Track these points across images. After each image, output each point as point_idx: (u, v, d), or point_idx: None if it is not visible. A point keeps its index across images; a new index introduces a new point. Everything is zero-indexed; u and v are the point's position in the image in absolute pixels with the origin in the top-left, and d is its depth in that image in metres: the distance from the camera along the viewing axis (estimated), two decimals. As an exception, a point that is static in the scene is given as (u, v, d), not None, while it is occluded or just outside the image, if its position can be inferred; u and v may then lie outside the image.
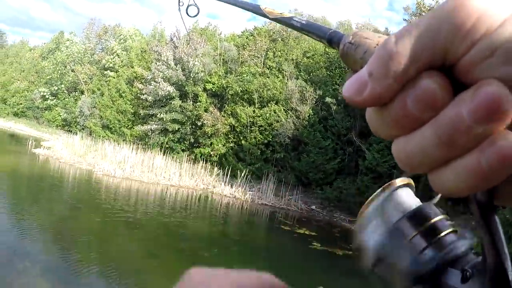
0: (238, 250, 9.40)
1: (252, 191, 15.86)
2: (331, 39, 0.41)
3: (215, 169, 17.76)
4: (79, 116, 23.71)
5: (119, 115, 21.99)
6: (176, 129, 19.95)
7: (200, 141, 19.64)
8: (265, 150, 18.38)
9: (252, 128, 18.78)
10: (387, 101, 0.28)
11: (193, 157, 19.05)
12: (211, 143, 19.32)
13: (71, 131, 22.53)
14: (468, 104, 0.24)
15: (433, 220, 0.47)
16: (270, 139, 18.21)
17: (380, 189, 0.50)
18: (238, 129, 19.21)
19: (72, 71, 27.76)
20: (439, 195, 0.45)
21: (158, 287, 6.14)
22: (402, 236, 0.47)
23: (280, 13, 0.59)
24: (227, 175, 16.57)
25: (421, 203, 0.49)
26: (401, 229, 0.48)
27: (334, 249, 10.07)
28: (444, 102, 0.26)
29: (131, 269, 6.81)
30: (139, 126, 20.87)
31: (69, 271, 6.42)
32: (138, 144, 19.10)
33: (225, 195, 15.56)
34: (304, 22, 0.50)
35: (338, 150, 16.10)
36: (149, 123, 20.49)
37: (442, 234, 0.47)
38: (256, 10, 0.70)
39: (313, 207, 15.24)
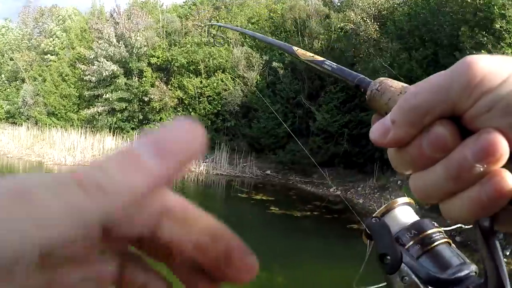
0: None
1: (205, 162, 15.74)
2: (359, 84, 0.46)
3: (167, 144, 17.46)
4: (22, 106, 22.63)
5: (63, 100, 21.24)
6: (124, 107, 19.51)
7: (149, 117, 19.31)
8: (215, 120, 18.29)
9: (201, 99, 18.62)
10: (406, 144, 0.34)
11: (144, 135, 18.72)
12: (160, 118, 19.00)
13: (16, 123, 21.54)
14: (471, 148, 0.30)
15: (427, 232, 0.55)
16: (220, 109, 18.12)
17: (384, 206, 0.60)
18: (186, 101, 19.02)
19: (10, 59, 26.52)
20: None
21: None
22: (401, 245, 0.56)
23: (312, 56, 0.63)
24: (179, 149, 16.30)
25: (418, 218, 0.58)
26: (400, 238, 0.57)
27: (292, 212, 10.20)
28: (453, 145, 0.31)
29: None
30: (85, 109, 20.22)
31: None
32: (87, 127, 18.58)
33: (179, 170, 15.35)
34: (335, 66, 0.54)
35: (288, 114, 16.12)
36: (95, 105, 19.86)
37: (435, 243, 0.55)
38: (288, 51, 0.74)
39: (268, 172, 15.32)
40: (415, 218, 0.62)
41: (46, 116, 21.10)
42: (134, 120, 19.80)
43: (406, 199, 0.63)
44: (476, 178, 0.31)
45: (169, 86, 19.40)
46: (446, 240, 0.58)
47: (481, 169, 0.30)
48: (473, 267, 0.54)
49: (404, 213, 0.62)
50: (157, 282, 0.26)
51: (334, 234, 8.77)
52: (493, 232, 0.36)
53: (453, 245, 0.59)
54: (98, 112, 19.89)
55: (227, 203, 11.99)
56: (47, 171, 12.68)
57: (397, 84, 0.41)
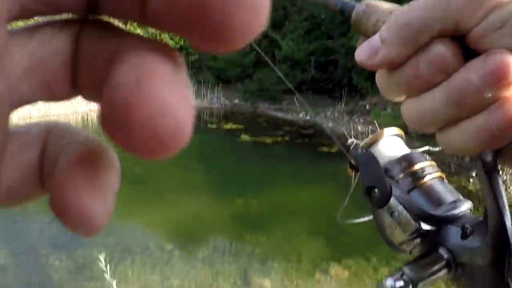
0: (170, 159, 9.32)
1: (173, 98, 15.52)
2: (343, 8, 0.41)
3: (132, 85, 17.12)
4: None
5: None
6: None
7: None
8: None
9: (162, 36, 18.01)
10: (398, 65, 0.30)
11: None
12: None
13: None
14: (478, 70, 0.26)
15: (418, 165, 0.51)
16: (182, 44, 17.65)
17: (371, 136, 0.55)
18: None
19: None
20: (426, 148, 0.56)
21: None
22: (390, 177, 0.52)
23: None
24: (145, 88, 16.05)
25: (409, 151, 0.54)
26: (390, 171, 0.52)
27: (263, 139, 10.22)
28: (455, 66, 0.28)
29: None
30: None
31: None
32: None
33: (147, 109, 15.16)
34: None
35: (252, 44, 15.87)
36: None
37: (428, 178, 0.51)
38: None
39: (236, 101, 15.27)
40: (406, 150, 0.56)
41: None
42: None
43: (395, 130, 0.58)
44: (482, 105, 0.27)
45: (128, 24, 18.62)
46: (439, 174, 0.53)
47: (489, 94, 0.26)
48: (469, 205, 0.50)
49: (393, 145, 0.57)
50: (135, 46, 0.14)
51: (305, 157, 8.89)
52: (495, 167, 0.34)
53: (446, 180, 0.54)
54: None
55: (197, 135, 11.64)
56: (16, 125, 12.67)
57: (386, 4, 0.36)
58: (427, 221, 0.48)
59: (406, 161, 0.53)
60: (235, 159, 8.96)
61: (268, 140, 10.16)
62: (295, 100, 13.52)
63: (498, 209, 0.36)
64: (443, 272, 0.46)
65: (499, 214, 0.36)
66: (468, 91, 0.27)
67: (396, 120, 9.18)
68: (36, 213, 5.34)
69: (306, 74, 14.36)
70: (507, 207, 0.36)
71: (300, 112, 12.83)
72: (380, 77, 0.32)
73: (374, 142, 0.56)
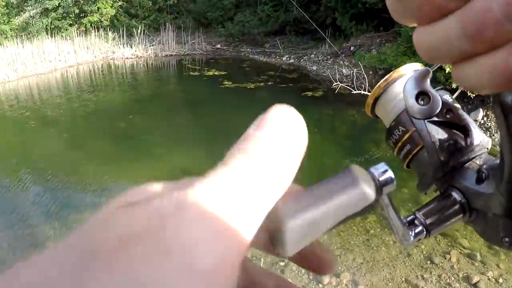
0: (153, 108, 9.21)
1: (153, 45, 15.18)
2: None
3: (110, 34, 16.59)
4: None
5: (-10, 13, 19.62)
6: (57, 4, 18.08)
7: (86, 9, 18.01)
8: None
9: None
10: None
11: (84, 29, 17.64)
12: (98, 8, 17.81)
13: None
14: None
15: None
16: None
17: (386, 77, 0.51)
18: (123, -16, 17.73)
19: None
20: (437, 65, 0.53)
21: (95, 177, 5.80)
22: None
23: None
24: (123, 37, 15.64)
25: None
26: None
27: (245, 84, 10.05)
28: None
29: (63, 170, 6.23)
30: (16, 17, 18.76)
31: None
32: (22, 36, 17.32)
33: (127, 58, 14.83)
34: None
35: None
36: (26, 10, 18.46)
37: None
38: None
39: (218, 46, 14.91)
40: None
41: (-25, 35, 19.64)
42: (70, 15, 18.43)
43: (417, 65, 0.52)
44: (502, 40, 0.23)
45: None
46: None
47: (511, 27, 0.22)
48: (487, 143, 0.47)
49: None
50: None
51: (290, 103, 8.47)
52: None
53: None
54: (31, 16, 18.43)
55: (179, 83, 11.73)
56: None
57: None
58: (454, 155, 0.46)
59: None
60: (218, 105, 8.87)
61: (251, 85, 10.00)
62: (278, 42, 13.19)
63: None
64: (458, 217, 0.44)
65: None
66: (486, 22, 0.23)
67: (382, 62, 9.00)
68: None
69: (289, 15, 13.94)
70: None
71: (283, 55, 12.53)
72: (389, 1, 0.27)
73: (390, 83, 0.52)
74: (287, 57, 12.48)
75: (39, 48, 15.36)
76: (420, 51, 0.27)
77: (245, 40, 14.29)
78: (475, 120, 0.47)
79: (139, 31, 15.48)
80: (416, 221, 0.44)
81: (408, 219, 0.44)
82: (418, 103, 0.45)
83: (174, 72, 13.05)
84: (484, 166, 0.42)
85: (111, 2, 17.86)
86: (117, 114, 8.87)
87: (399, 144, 0.49)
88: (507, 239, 0.38)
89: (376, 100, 0.52)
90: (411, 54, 7.91)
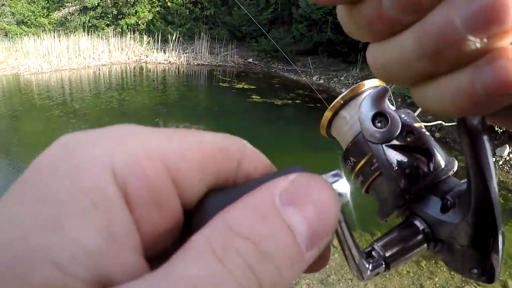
0: (180, 113, 9.28)
1: (186, 53, 15.45)
2: None
3: (145, 37, 16.98)
4: (-12, 20, 21.49)
5: (31, 5, 19.96)
6: (96, 4, 18.51)
7: (124, 11, 18.39)
8: (193, 8, 17.58)
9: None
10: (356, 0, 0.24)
11: (120, 30, 17.99)
12: (136, 11, 18.19)
13: (-15, 39, 20.49)
14: (463, 7, 0.19)
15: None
16: (196, -4, 17.38)
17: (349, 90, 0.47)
18: (162, -9, 18.08)
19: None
20: (438, 122, 0.62)
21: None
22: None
23: None
24: (158, 42, 15.93)
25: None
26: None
27: (273, 100, 10.10)
28: (431, 3, 0.21)
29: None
30: (56, 12, 19.24)
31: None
32: (60, 31, 17.70)
33: (159, 63, 15.11)
34: None
35: (270, 0, 15.54)
36: (66, 6, 18.92)
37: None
38: None
39: (250, 60, 15.06)
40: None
41: (15, 26, 20.03)
42: (108, 16, 18.86)
43: (375, 82, 0.49)
44: (466, 58, 0.20)
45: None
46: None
47: (477, 44, 0.19)
48: (453, 165, 0.43)
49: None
50: None
51: (317, 122, 8.66)
52: (483, 131, 0.28)
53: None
54: (70, 13, 18.96)
55: (208, 92, 11.82)
56: (26, 83, 12.88)
57: None
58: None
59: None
60: (244, 118, 8.92)
61: (278, 101, 10.05)
62: (309, 62, 13.27)
63: (484, 182, 0.30)
64: (421, 248, 0.41)
65: (484, 188, 0.31)
66: (447, 38, 0.20)
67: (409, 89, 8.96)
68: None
69: (323, 36, 13.97)
70: (494, 179, 0.30)
71: (314, 75, 12.60)
72: (340, 14, 0.25)
73: (353, 97, 0.48)
74: (317, 77, 12.51)
75: (74, 44, 15.73)
76: (374, 70, 0.25)
77: (277, 56, 14.33)
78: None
79: (174, 38, 15.75)
80: (374, 253, 0.41)
81: (366, 250, 0.41)
82: (375, 126, 0.41)
83: (205, 81, 13.19)
84: (450, 193, 0.39)
85: (149, 6, 18.21)
86: (143, 116, 9.00)
87: (356, 169, 0.45)
88: (475, 270, 0.36)
89: (331, 120, 0.49)
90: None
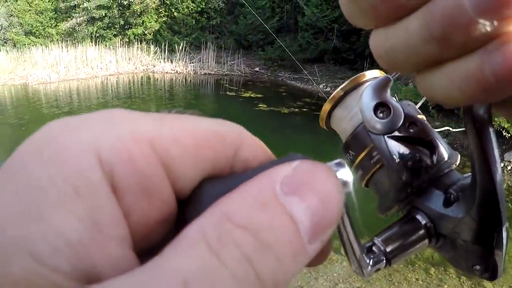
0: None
1: (193, 62, 15.51)
2: None
3: (152, 47, 17.12)
4: (-3, 31, 21.69)
5: (39, 16, 20.19)
6: (103, 15, 18.68)
7: (131, 21, 18.57)
8: (200, 18, 17.71)
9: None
10: None
11: (127, 40, 18.18)
12: (143, 22, 18.36)
13: (-7, 49, 20.64)
14: None
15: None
16: (204, 6, 17.51)
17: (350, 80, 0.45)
18: (168, 1, 18.13)
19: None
20: (446, 128, 0.55)
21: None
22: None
23: None
24: (165, 51, 16.05)
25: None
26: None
27: (280, 108, 10.11)
28: None
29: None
30: (63, 22, 19.45)
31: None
32: (67, 41, 17.86)
33: (166, 72, 15.19)
34: None
35: (276, 9, 15.61)
36: (73, 16, 19.12)
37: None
38: None
39: (257, 69, 15.10)
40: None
41: (24, 36, 20.25)
42: (116, 26, 19.05)
43: (376, 72, 0.46)
44: (476, 42, 0.20)
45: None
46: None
47: (487, 27, 0.19)
48: (456, 159, 0.41)
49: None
50: None
51: (324, 131, 8.67)
52: (489, 121, 0.27)
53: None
54: (77, 23, 19.15)
55: (215, 101, 11.84)
56: (33, 92, 12.99)
57: None
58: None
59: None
60: (251, 126, 8.80)
61: (285, 110, 10.06)
62: (316, 70, 13.29)
63: (489, 174, 0.29)
64: (422, 243, 0.39)
65: (490, 180, 0.30)
66: (456, 21, 0.19)
67: (418, 97, 8.95)
68: None
69: (329, 43, 14.01)
70: (500, 172, 0.29)
71: (320, 83, 12.61)
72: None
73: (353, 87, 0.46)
74: (324, 85, 12.50)
75: (82, 54, 15.85)
76: (378, 58, 0.24)
77: (284, 65, 14.41)
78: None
79: (180, 47, 15.84)
80: (374, 248, 0.40)
81: (366, 246, 0.40)
82: (377, 116, 0.40)
83: (211, 91, 13.23)
84: (453, 187, 0.38)
85: (156, 17, 18.37)
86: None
87: (356, 162, 0.44)
88: (478, 267, 0.35)
89: (331, 112, 0.47)
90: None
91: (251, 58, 15.82)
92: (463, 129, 0.29)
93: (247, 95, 11.65)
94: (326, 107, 0.46)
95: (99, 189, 0.18)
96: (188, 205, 0.21)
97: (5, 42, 20.79)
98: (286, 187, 0.18)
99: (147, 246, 0.20)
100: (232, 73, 14.92)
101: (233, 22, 16.77)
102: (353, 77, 0.45)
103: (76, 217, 0.17)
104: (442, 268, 3.79)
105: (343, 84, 0.45)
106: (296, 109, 10.20)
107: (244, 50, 16.07)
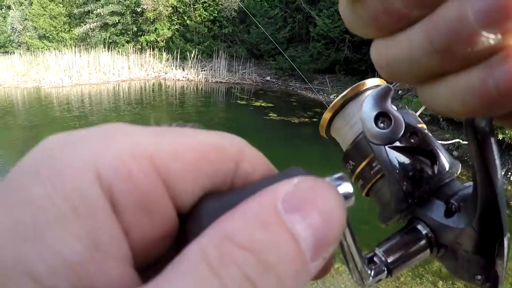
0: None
1: (204, 70, 15.60)
2: None
3: (164, 54, 17.26)
4: (12, 34, 21.86)
5: (53, 21, 20.45)
6: (117, 21, 18.87)
7: (144, 28, 18.74)
8: (212, 27, 17.84)
9: (196, 6, 17.92)
10: None
11: (140, 47, 18.33)
12: (156, 29, 18.51)
13: (8, 52, 20.76)
14: (476, 0, 0.18)
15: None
16: (216, 15, 17.62)
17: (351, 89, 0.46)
18: (181, 9, 18.30)
19: (-8, -12, 25.24)
20: (456, 140, 0.57)
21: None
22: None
23: None
24: (177, 59, 16.21)
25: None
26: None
27: (290, 118, 10.13)
28: None
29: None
30: (77, 27, 19.65)
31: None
32: (80, 46, 18.03)
33: (178, 79, 15.30)
34: None
35: (288, 19, 15.72)
36: (87, 22, 19.32)
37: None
38: None
39: (268, 78, 15.16)
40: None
41: (37, 40, 20.51)
42: (128, 33, 19.24)
43: (377, 81, 0.46)
44: (479, 55, 0.19)
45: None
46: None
47: (491, 40, 0.18)
48: (458, 167, 0.42)
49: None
50: None
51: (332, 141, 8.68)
52: (491, 133, 0.27)
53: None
54: (91, 29, 19.33)
55: (226, 110, 11.87)
56: (46, 96, 13.08)
57: None
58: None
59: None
60: (262, 135, 8.91)
61: (295, 120, 10.08)
62: (327, 80, 13.31)
63: (491, 186, 0.29)
64: (423, 253, 0.39)
65: (491, 192, 0.30)
66: (459, 33, 0.19)
67: (429, 110, 8.89)
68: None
69: (340, 54, 14.06)
70: (501, 183, 0.29)
71: (331, 93, 12.62)
72: (342, 8, 0.24)
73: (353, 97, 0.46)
74: (334, 96, 12.48)
75: (95, 59, 16.00)
76: (379, 68, 0.24)
77: (295, 75, 14.40)
78: None
79: (192, 55, 15.97)
80: (375, 259, 0.40)
81: (367, 256, 0.40)
82: (378, 126, 0.40)
83: (222, 99, 13.29)
84: (455, 197, 0.38)
85: (169, 24, 18.51)
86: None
87: (357, 171, 0.44)
88: (479, 277, 0.35)
89: (331, 120, 0.47)
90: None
91: (262, 68, 15.89)
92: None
93: (258, 104, 11.68)
94: (327, 115, 0.46)
95: (98, 208, 0.17)
96: (189, 221, 0.21)
97: (19, 46, 21.02)
98: (287, 204, 0.18)
99: (149, 262, 0.20)
100: (243, 81, 14.98)
101: (245, 31, 16.85)
102: (353, 86, 0.45)
103: (75, 237, 0.16)
104: (450, 282, 3.76)
105: (344, 93, 0.45)
106: (307, 119, 10.21)
107: (256, 59, 16.17)
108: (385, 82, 0.44)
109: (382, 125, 0.39)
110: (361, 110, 0.40)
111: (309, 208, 0.18)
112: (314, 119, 10.27)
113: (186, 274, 0.16)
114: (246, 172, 0.22)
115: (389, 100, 0.40)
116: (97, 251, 0.17)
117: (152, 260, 0.20)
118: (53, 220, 0.16)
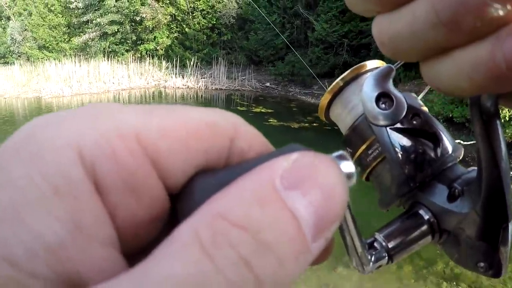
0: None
1: (204, 78, 15.65)
2: None
3: (163, 62, 17.31)
4: (12, 45, 21.94)
5: (53, 31, 20.53)
6: (116, 30, 18.93)
7: (143, 37, 18.81)
8: (211, 34, 17.90)
9: (194, 14, 18.00)
10: None
11: (139, 55, 18.38)
12: (155, 37, 18.59)
13: (8, 63, 20.84)
14: None
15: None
16: (215, 22, 17.68)
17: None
18: (179, 18, 18.38)
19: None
20: (457, 141, 0.42)
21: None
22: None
23: None
24: (176, 67, 16.25)
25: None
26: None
27: (290, 123, 10.14)
28: None
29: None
30: (76, 37, 19.73)
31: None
32: (80, 56, 18.10)
33: (178, 87, 15.34)
34: None
35: (286, 24, 15.68)
36: (86, 32, 19.40)
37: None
38: None
39: (267, 84, 15.18)
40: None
41: (37, 50, 20.56)
42: (128, 42, 19.31)
43: (377, 63, 0.44)
44: (487, 28, 0.18)
45: (160, 3, 18.69)
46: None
47: (500, 11, 0.17)
48: (460, 150, 0.40)
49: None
50: None
51: (334, 145, 8.65)
52: (496, 114, 0.26)
53: None
54: (90, 38, 19.43)
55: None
56: (47, 105, 13.07)
57: None
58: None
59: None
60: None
61: (295, 125, 10.09)
62: (327, 85, 13.34)
63: (496, 168, 0.28)
64: (425, 239, 0.38)
65: (497, 174, 0.29)
66: (466, 4, 0.18)
67: (428, 110, 8.88)
68: None
69: (339, 58, 14.04)
70: (507, 167, 0.29)
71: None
72: None
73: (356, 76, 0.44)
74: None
75: (95, 68, 16.05)
76: (381, 45, 0.23)
77: (294, 80, 14.47)
78: None
79: (192, 63, 16.05)
80: (376, 244, 0.38)
81: (367, 241, 0.38)
82: (379, 107, 0.38)
83: (223, 106, 13.28)
84: (458, 181, 0.36)
85: (167, 32, 18.59)
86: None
87: (357, 155, 0.42)
88: (482, 264, 0.34)
89: (330, 102, 0.45)
90: (459, 103, 7.86)
91: (261, 74, 15.90)
92: (474, 142, 0.29)
93: (258, 110, 11.69)
94: (326, 98, 0.44)
95: (81, 188, 0.16)
96: (180, 201, 0.20)
97: (19, 56, 21.07)
98: (286, 181, 0.17)
99: (139, 246, 0.19)
100: (243, 88, 15.01)
101: (243, 38, 16.89)
102: (353, 67, 0.43)
103: (56, 218, 0.15)
104: (454, 283, 3.76)
105: (343, 75, 0.43)
106: (307, 124, 10.21)
107: (255, 66, 16.20)
108: (385, 63, 0.43)
109: (383, 105, 0.38)
110: (362, 91, 0.39)
111: (309, 184, 0.17)
112: (314, 124, 10.26)
113: (176, 256, 0.15)
114: (241, 150, 0.21)
115: (391, 81, 0.39)
116: (80, 233, 0.16)
117: (142, 245, 0.19)
118: (33, 201, 0.16)
